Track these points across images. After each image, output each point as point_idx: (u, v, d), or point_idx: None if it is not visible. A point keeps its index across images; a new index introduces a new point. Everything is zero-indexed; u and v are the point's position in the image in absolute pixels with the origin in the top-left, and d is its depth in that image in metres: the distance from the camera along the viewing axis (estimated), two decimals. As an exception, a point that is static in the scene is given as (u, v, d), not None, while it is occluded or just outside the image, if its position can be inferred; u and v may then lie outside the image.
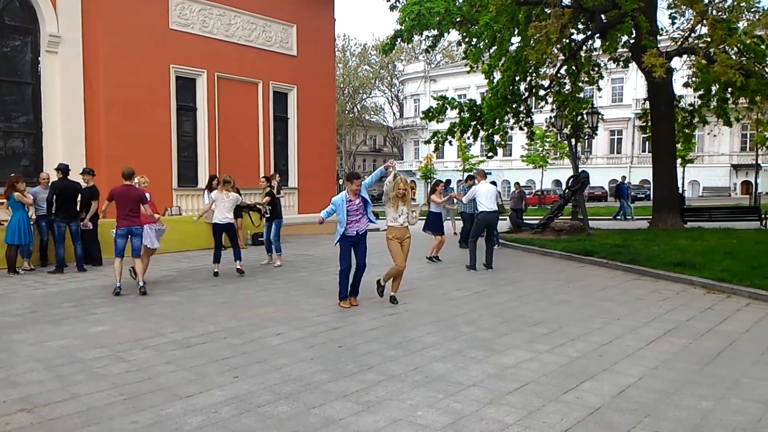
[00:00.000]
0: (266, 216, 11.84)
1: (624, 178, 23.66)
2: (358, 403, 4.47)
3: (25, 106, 13.82)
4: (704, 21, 12.35)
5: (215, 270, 10.45)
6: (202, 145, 16.33)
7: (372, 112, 73.50)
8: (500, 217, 14.92)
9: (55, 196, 10.48)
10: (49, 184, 10.67)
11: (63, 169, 10.67)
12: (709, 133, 33.02)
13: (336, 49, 50.26)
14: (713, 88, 17.58)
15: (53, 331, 6.56)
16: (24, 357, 5.61)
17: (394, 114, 73.27)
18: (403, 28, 16.86)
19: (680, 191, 21.19)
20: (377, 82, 70.18)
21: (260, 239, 14.31)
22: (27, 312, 7.53)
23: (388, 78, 70.62)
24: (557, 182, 51.24)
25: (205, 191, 14.39)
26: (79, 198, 10.86)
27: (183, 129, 16.08)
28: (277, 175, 16.13)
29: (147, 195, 9.11)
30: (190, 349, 5.90)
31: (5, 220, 10.47)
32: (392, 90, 71.93)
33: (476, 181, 11.78)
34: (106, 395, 4.62)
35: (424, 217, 12.79)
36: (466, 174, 16.65)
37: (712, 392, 4.73)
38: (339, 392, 4.70)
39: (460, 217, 16.03)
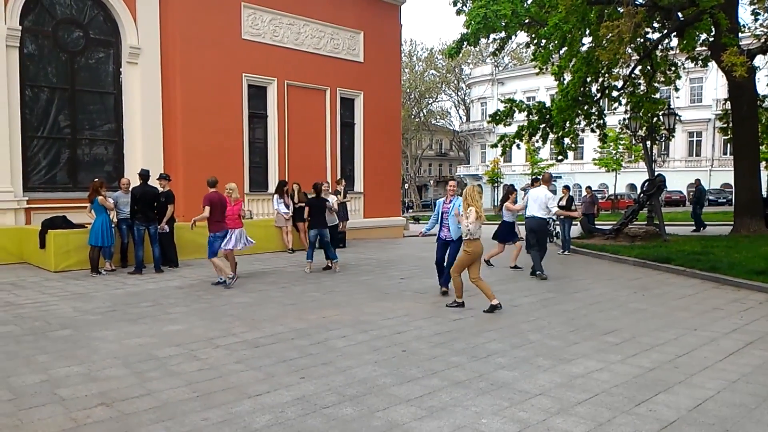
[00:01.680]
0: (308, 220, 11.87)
1: None
2: (422, 408, 4.46)
3: (108, 114, 14.59)
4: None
5: (328, 264, 11.61)
6: (273, 151, 16.74)
7: (438, 116, 73.33)
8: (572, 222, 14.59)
9: (136, 201, 10.99)
10: (130, 190, 11.19)
11: (144, 175, 11.17)
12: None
13: (402, 54, 50.52)
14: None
15: (131, 330, 6.87)
16: (104, 353, 5.90)
17: (460, 118, 72.88)
18: (469, 31, 16.69)
19: (765, 195, 19.93)
20: (444, 86, 69.96)
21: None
22: (108, 310, 7.92)
23: (455, 82, 70.27)
24: (632, 186, 49.52)
25: (275, 196, 14.78)
26: (156, 202, 11.31)
27: (254, 135, 16.55)
28: (344, 180, 16.38)
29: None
30: (260, 349, 6.05)
31: (89, 223, 11.04)
32: (459, 93, 71.56)
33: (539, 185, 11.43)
34: (180, 392, 4.80)
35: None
36: (532, 178, 16.32)
37: (798, 409, 4.44)
38: (403, 396, 4.71)
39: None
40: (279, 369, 5.40)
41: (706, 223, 20.85)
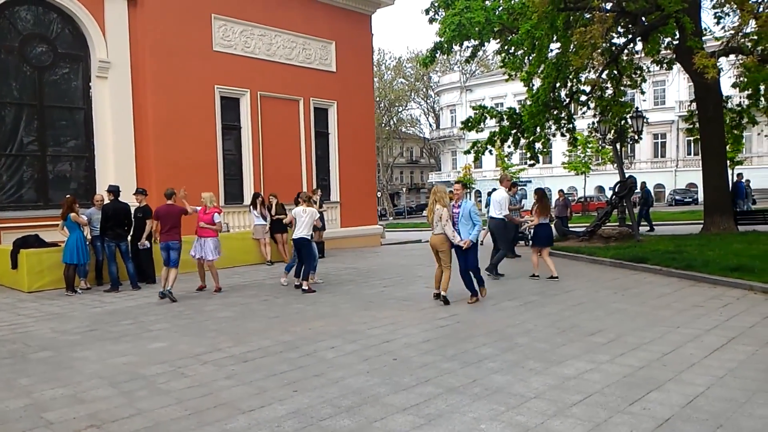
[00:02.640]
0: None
1: (740, 175, 21.33)
2: (420, 417, 4.44)
3: (78, 130, 14.30)
4: (755, 20, 11.91)
5: (283, 280, 10.92)
6: (247, 162, 16.61)
7: (408, 124, 73.66)
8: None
9: (106, 218, 10.76)
10: (101, 207, 10.96)
11: (113, 191, 10.93)
12: (759, 134, 32.04)
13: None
14: (762, 87, 17.04)
15: (114, 348, 6.72)
16: (88, 374, 5.75)
17: (430, 125, 73.34)
18: (443, 39, 16.83)
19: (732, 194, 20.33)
20: (413, 94, 70.37)
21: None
22: (87, 330, 7.73)
23: (424, 90, 70.77)
24: (600, 188, 50.38)
25: (251, 207, 14.65)
26: (127, 218, 11.04)
27: (228, 147, 16.39)
28: (319, 191, 16.30)
29: (217, 212, 10.56)
30: (248, 363, 5.97)
31: (62, 241, 10.79)
32: (428, 101, 72.02)
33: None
34: (171, 410, 4.70)
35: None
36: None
37: (787, 401, 4.54)
38: (399, 405, 4.68)
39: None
40: (270, 383, 5.33)
41: (654, 224, 21.74)
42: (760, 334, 6.54)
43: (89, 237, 10.97)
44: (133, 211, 11.15)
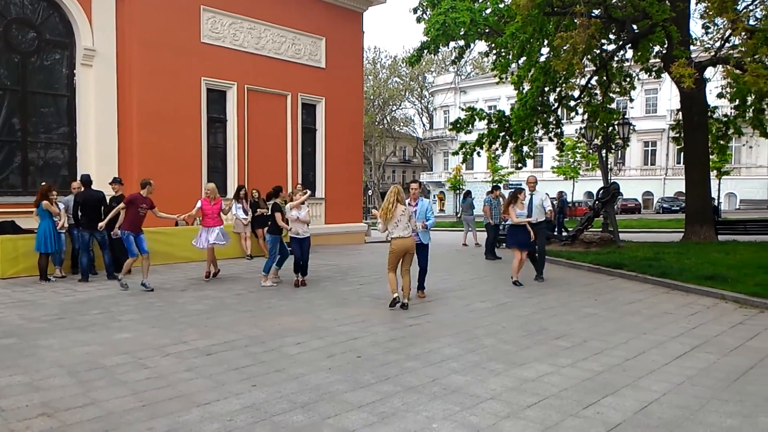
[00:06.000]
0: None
1: (562, 192, 22.09)
2: (374, 414, 4.44)
3: (61, 117, 14.21)
4: (736, 30, 12.03)
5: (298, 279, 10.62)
6: (232, 156, 16.55)
7: (402, 124, 73.79)
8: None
9: (79, 208, 10.65)
10: (73, 197, 10.84)
11: (85, 181, 10.82)
12: (744, 145, 32.27)
13: (366, 61, 50.60)
14: (748, 99, 17.17)
15: (78, 338, 6.68)
16: (48, 362, 5.71)
17: (423, 125, 73.46)
18: (428, 39, 16.90)
19: (715, 204, 20.53)
20: (407, 93, 70.46)
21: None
22: (55, 318, 7.68)
23: (418, 89, 70.83)
24: (589, 194, 50.57)
25: (233, 201, 14.60)
26: (103, 207, 10.87)
27: (213, 140, 16.33)
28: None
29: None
30: (211, 357, 5.95)
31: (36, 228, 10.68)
32: (422, 101, 72.12)
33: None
34: (126, 401, 4.68)
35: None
36: (492, 186, 16.78)
37: (739, 409, 4.57)
38: (355, 403, 4.68)
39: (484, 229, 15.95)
40: (230, 377, 5.31)
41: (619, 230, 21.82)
42: (723, 343, 6.58)
43: (66, 225, 10.85)
44: (108, 200, 11.06)
